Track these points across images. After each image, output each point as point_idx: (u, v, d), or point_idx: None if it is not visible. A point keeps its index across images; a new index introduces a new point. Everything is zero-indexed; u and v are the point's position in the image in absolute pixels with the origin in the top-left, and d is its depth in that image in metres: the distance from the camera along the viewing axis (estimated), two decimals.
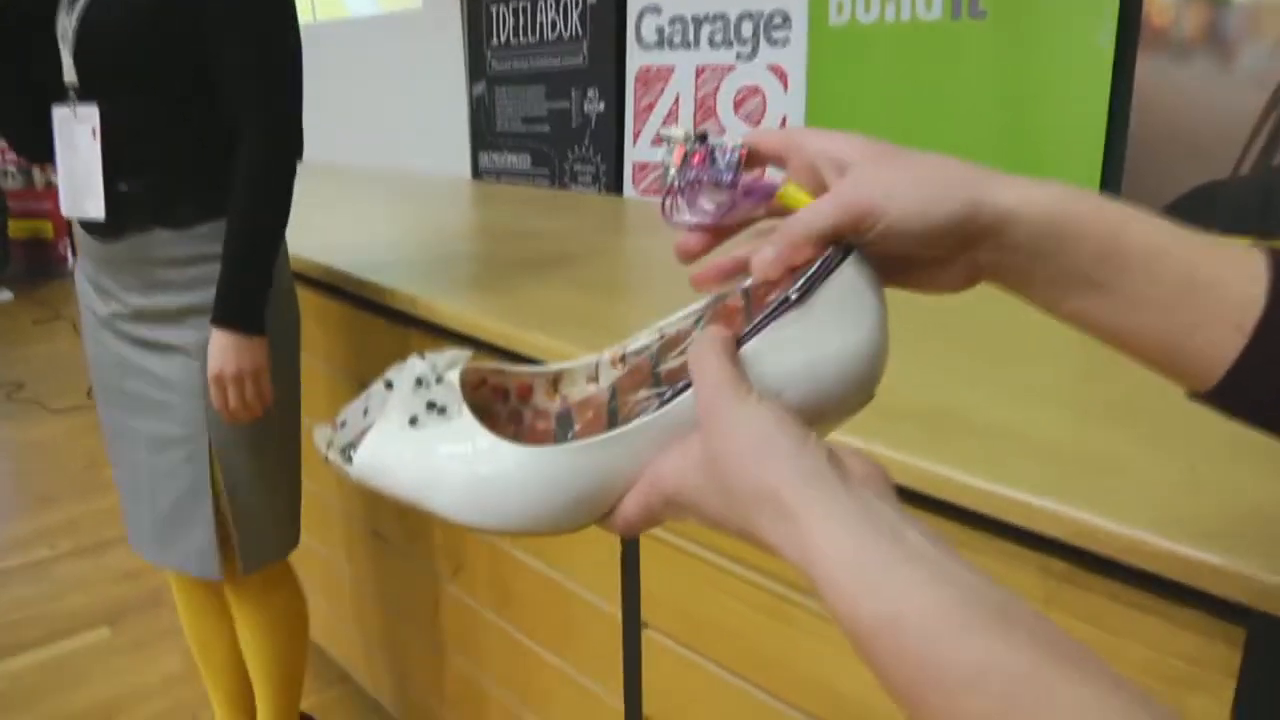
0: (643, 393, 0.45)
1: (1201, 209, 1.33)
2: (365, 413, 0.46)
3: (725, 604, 0.99)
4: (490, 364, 0.48)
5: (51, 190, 5.51)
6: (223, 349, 1.22)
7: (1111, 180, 1.43)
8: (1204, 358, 0.39)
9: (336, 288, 1.54)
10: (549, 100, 2.40)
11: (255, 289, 1.23)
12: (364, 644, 1.88)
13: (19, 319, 5.06)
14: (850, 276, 0.41)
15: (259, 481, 1.40)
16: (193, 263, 1.26)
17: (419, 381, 0.45)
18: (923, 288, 0.44)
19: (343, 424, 0.47)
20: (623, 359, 0.48)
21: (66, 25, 1.21)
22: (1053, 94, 1.47)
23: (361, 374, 1.60)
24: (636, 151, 2.22)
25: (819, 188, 0.43)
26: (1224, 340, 0.38)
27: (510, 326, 1.18)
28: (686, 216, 0.45)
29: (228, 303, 1.22)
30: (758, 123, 1.94)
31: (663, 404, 0.41)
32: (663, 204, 0.45)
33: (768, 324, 0.41)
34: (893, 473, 0.40)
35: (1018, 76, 1.51)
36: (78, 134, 1.23)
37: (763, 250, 0.41)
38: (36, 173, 5.73)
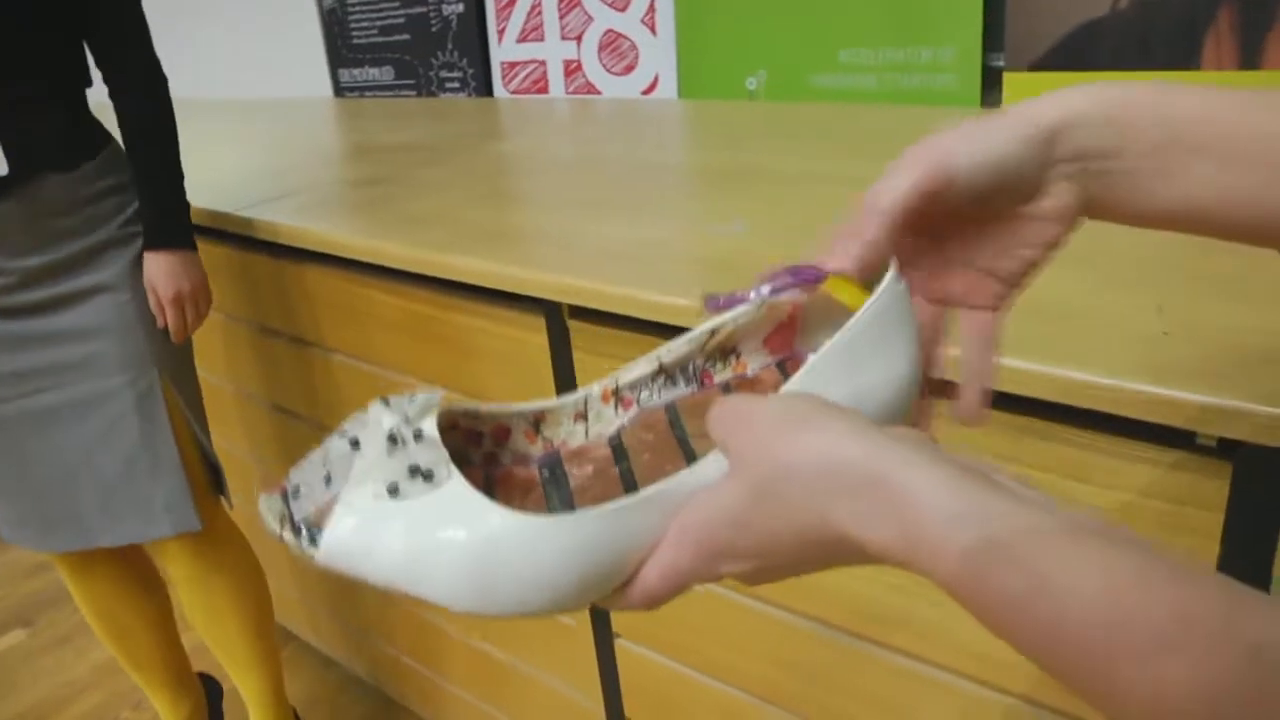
0: (664, 451, 0.41)
1: (1084, 48, 1.33)
2: (328, 480, 0.37)
3: None
4: (461, 405, 0.41)
5: None
6: (170, 270, 1.23)
7: (994, 25, 1.42)
8: None
9: (216, 230, 1.42)
10: (405, 6, 2.25)
11: (181, 207, 1.25)
12: (303, 597, 1.82)
13: None
14: (889, 303, 0.38)
15: (202, 409, 1.36)
16: (89, 203, 1.21)
17: (393, 439, 0.37)
18: (1042, 226, 0.41)
19: (295, 491, 0.38)
20: (615, 392, 0.43)
21: None
22: None
23: (259, 318, 1.50)
24: (503, 50, 2.11)
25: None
26: None
27: (424, 250, 1.10)
28: (721, 299, 0.41)
29: (164, 225, 1.24)
30: (623, 10, 1.86)
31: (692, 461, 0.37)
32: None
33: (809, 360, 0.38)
34: None
35: None
36: None
37: (855, 236, 0.38)
38: None
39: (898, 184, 0.38)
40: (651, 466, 0.40)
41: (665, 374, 0.43)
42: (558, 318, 1.01)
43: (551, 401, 0.42)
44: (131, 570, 1.48)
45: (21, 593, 2.29)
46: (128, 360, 1.24)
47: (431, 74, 2.27)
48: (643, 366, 0.43)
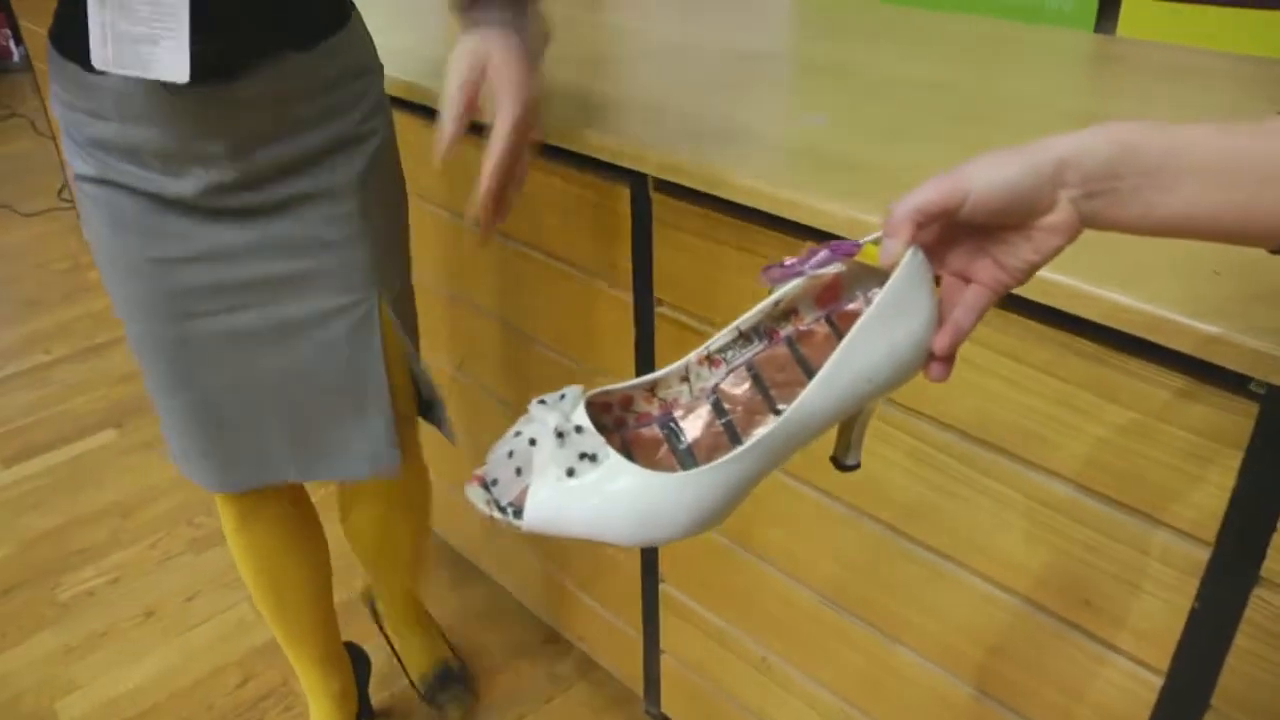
0: (756, 406, 0.54)
1: None
2: (519, 472, 0.51)
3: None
4: (597, 390, 0.53)
5: None
6: (518, 60, 0.86)
7: None
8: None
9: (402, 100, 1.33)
10: None
11: None
12: None
13: None
14: (912, 272, 0.50)
15: (417, 329, 1.20)
16: (329, 89, 1.01)
17: (560, 434, 0.50)
18: (1045, 236, 0.50)
19: (494, 482, 0.51)
20: (708, 358, 0.55)
21: None
22: None
23: (447, 200, 1.45)
24: None
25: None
26: None
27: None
28: (775, 269, 0.53)
29: None
30: None
31: (778, 414, 0.51)
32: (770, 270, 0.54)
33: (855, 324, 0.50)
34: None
35: None
36: None
37: (890, 232, 0.51)
38: None
39: (917, 195, 0.50)
40: (745, 418, 0.53)
41: (744, 337, 0.55)
42: (643, 189, 1.06)
43: (661, 372, 0.55)
44: (298, 517, 1.32)
45: (116, 395, 2.46)
46: (346, 280, 1.06)
47: None
48: (727, 335, 0.55)
